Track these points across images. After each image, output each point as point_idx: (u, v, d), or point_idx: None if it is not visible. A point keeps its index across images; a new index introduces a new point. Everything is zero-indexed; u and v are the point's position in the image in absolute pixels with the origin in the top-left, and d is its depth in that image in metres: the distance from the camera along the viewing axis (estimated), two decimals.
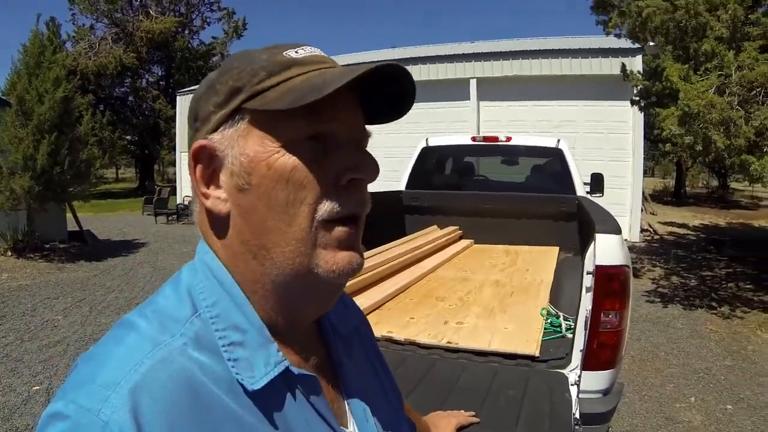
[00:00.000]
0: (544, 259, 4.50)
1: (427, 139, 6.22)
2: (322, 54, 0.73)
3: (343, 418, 0.77)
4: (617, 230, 2.35)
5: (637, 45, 9.89)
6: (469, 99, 14.58)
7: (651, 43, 7.98)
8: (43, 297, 7.69)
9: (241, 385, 0.64)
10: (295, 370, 0.69)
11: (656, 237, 13.79)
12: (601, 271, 2.21)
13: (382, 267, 3.64)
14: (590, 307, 2.20)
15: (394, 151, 14.50)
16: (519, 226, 5.26)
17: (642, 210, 14.22)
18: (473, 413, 1.65)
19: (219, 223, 0.71)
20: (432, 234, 5.08)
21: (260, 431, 0.64)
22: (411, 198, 5.64)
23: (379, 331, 2.65)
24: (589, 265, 2.37)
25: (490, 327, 2.73)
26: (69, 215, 12.18)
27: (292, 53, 0.70)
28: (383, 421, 0.82)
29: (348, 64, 0.71)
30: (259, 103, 0.66)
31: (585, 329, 2.20)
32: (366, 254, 3.84)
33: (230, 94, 0.68)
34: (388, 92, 0.74)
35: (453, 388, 2.01)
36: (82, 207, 12.75)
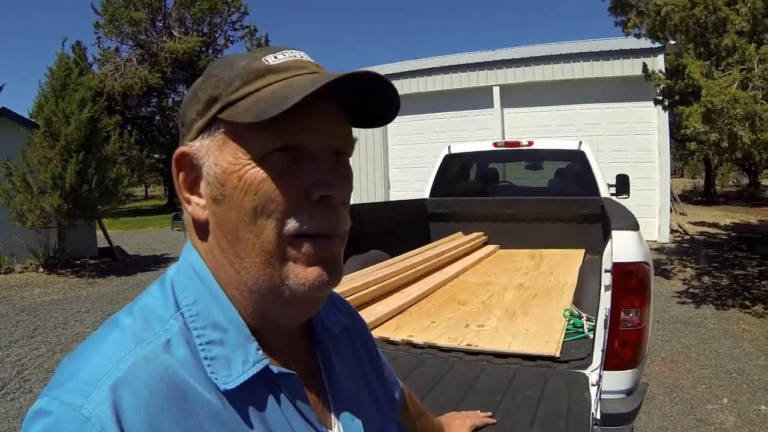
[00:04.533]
0: (569, 261, 4.46)
1: (449, 147, 6.22)
2: (303, 58, 0.71)
3: (327, 418, 0.77)
4: (634, 226, 2.32)
5: (657, 44, 9.78)
6: (492, 107, 14.55)
7: (671, 42, 7.89)
8: (74, 311, 7.79)
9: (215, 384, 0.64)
10: (275, 369, 0.68)
11: (686, 237, 13.56)
12: (618, 269, 2.18)
13: (404, 273, 3.63)
14: (609, 306, 2.18)
15: (419, 161, 14.62)
16: (544, 230, 5.23)
17: (671, 211, 14.01)
18: (489, 414, 1.64)
19: (201, 228, 0.72)
20: (456, 240, 5.07)
21: (239, 429, 0.64)
22: (435, 205, 5.64)
23: (399, 335, 2.66)
24: (607, 263, 2.34)
25: (511, 329, 2.71)
26: (99, 232, 12.38)
27: (269, 59, 0.69)
28: (370, 423, 0.82)
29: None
30: (231, 114, 0.66)
31: (605, 328, 2.17)
32: (389, 261, 3.85)
33: (208, 102, 0.69)
34: (377, 97, 0.72)
35: (470, 389, 1.99)
36: (112, 224, 12.93)
